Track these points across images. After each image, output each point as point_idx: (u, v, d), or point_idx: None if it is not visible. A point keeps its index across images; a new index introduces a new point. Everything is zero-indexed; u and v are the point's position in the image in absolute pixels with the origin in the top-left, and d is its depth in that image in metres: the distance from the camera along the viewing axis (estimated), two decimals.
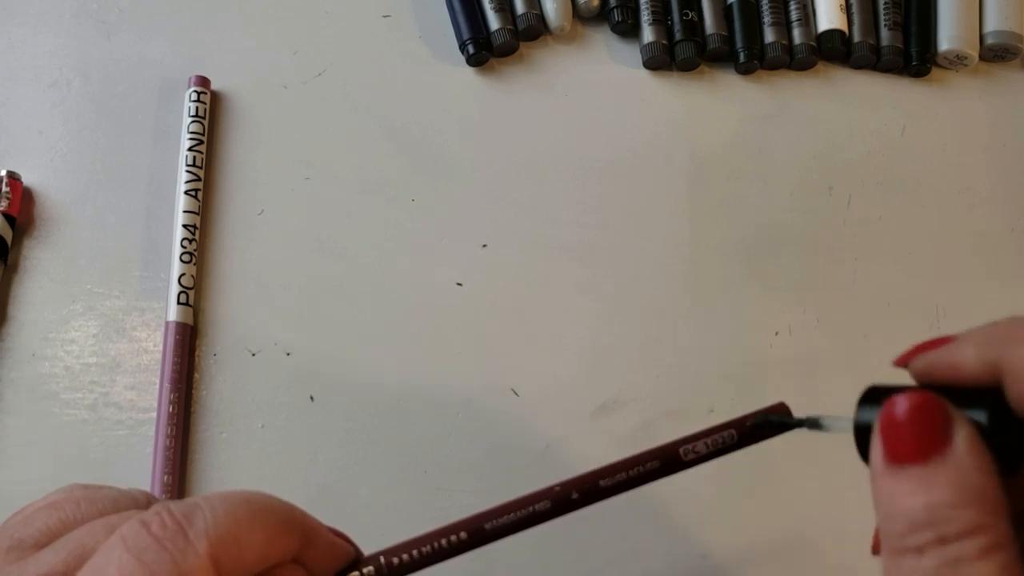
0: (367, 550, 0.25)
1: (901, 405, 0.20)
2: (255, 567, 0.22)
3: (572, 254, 0.44)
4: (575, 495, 0.24)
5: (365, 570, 0.24)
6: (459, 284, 0.43)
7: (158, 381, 0.39)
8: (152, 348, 0.40)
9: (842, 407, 0.23)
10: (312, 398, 0.40)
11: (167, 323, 0.40)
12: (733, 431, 0.24)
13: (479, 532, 0.24)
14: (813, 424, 0.24)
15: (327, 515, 0.24)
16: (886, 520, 0.20)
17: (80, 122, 0.45)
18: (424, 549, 0.24)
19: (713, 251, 0.44)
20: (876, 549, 0.22)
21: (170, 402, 0.38)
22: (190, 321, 0.40)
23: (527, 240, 0.44)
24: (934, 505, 0.19)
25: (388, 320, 0.42)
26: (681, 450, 0.24)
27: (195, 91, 0.45)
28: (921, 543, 0.19)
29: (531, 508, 0.24)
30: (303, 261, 0.43)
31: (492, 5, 0.47)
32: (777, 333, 0.43)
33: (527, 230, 0.44)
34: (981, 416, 0.20)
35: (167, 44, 0.47)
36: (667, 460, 0.24)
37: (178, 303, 0.40)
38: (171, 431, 0.38)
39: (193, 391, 0.40)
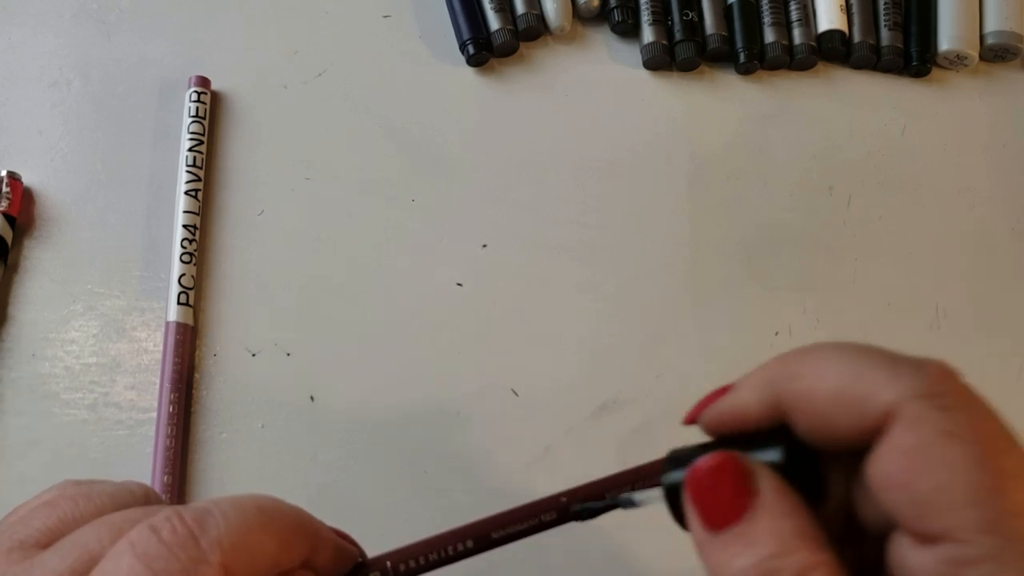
0: (368, 550, 0.25)
1: (701, 471, 0.20)
2: (266, 574, 0.21)
3: (572, 254, 0.44)
4: (578, 508, 0.24)
5: (372, 575, 0.24)
6: (459, 284, 0.43)
7: (158, 381, 0.39)
8: (152, 348, 0.40)
9: None
10: (312, 398, 0.40)
11: (167, 323, 0.40)
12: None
13: (485, 539, 0.24)
14: (627, 503, 0.23)
15: (327, 515, 0.24)
16: None
17: (80, 122, 0.45)
18: (431, 556, 0.24)
19: (713, 251, 0.44)
20: None
21: (170, 402, 0.38)
22: (190, 321, 0.40)
23: (527, 240, 0.44)
24: (762, 560, 0.19)
25: (388, 320, 0.42)
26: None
27: (195, 91, 0.45)
28: None
29: (538, 519, 0.24)
30: (303, 261, 0.43)
31: (492, 5, 0.47)
32: (777, 333, 0.43)
33: (527, 230, 0.44)
34: (776, 455, 0.21)
35: (167, 44, 0.47)
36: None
37: (178, 303, 0.40)
38: (171, 431, 0.38)
39: (193, 391, 0.40)
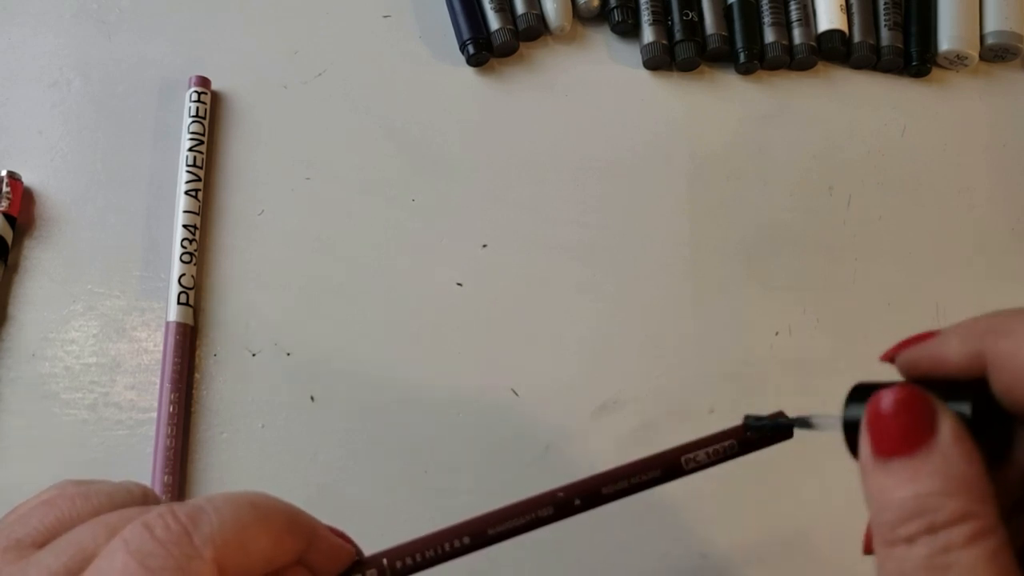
0: (367, 550, 0.25)
1: (886, 400, 0.21)
2: (260, 570, 0.21)
3: (572, 254, 0.44)
4: (577, 501, 0.24)
5: (368, 572, 0.24)
6: (459, 284, 0.43)
7: (158, 381, 0.39)
8: (152, 348, 0.40)
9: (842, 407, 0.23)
10: (312, 398, 0.40)
11: (167, 323, 0.40)
12: (733, 440, 0.24)
13: (482, 536, 0.24)
14: (803, 423, 0.24)
15: (327, 515, 0.24)
16: (877, 512, 0.20)
17: (80, 122, 0.45)
18: (428, 552, 0.24)
19: (713, 251, 0.44)
20: (868, 548, 0.23)
21: (170, 402, 0.38)
22: (190, 321, 0.40)
23: (527, 240, 0.44)
24: (922, 495, 0.19)
25: (388, 320, 0.42)
26: (683, 459, 0.24)
27: (195, 91, 0.45)
28: (911, 532, 0.19)
29: (534, 514, 0.24)
30: (303, 261, 0.43)
31: (492, 5, 0.47)
32: (777, 333, 0.43)
33: (527, 230, 0.44)
34: (966, 408, 0.21)
35: (167, 44, 0.47)
36: (668, 469, 0.24)
37: (178, 303, 0.40)
38: (171, 431, 0.38)
39: (193, 391, 0.40)
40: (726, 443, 0.24)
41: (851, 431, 0.22)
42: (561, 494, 0.24)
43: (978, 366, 0.21)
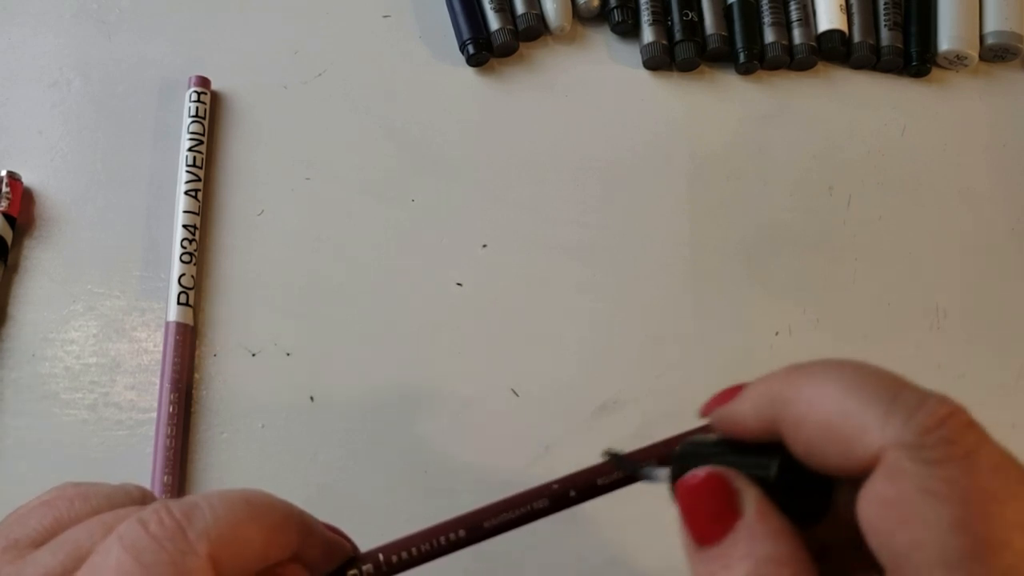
0: (367, 550, 0.25)
1: (688, 489, 0.21)
2: (254, 566, 0.22)
3: (572, 254, 0.44)
4: (573, 492, 0.24)
5: (364, 567, 0.24)
6: (459, 284, 0.43)
7: (158, 381, 0.39)
8: (152, 348, 0.40)
9: None
10: (312, 398, 0.40)
11: (167, 323, 0.40)
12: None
13: (477, 529, 0.24)
14: (648, 476, 0.23)
15: (327, 515, 0.24)
16: None
17: (80, 122, 0.45)
18: (423, 547, 0.24)
19: (713, 251, 0.44)
20: None
21: (170, 402, 0.38)
22: (190, 321, 0.40)
23: (527, 240, 0.44)
24: None
25: (388, 320, 0.42)
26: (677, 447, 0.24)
27: (195, 91, 0.45)
28: None
29: (529, 506, 0.24)
30: (303, 261, 0.43)
31: (492, 5, 0.47)
32: (777, 333, 0.43)
33: (527, 230, 0.44)
34: (770, 471, 0.20)
35: (167, 44, 0.47)
36: (664, 457, 0.24)
37: (178, 303, 0.40)
38: (171, 431, 0.38)
39: (193, 391, 0.40)
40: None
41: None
42: (556, 486, 0.24)
43: (773, 430, 0.20)
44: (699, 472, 0.21)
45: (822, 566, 0.19)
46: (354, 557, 0.24)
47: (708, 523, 0.20)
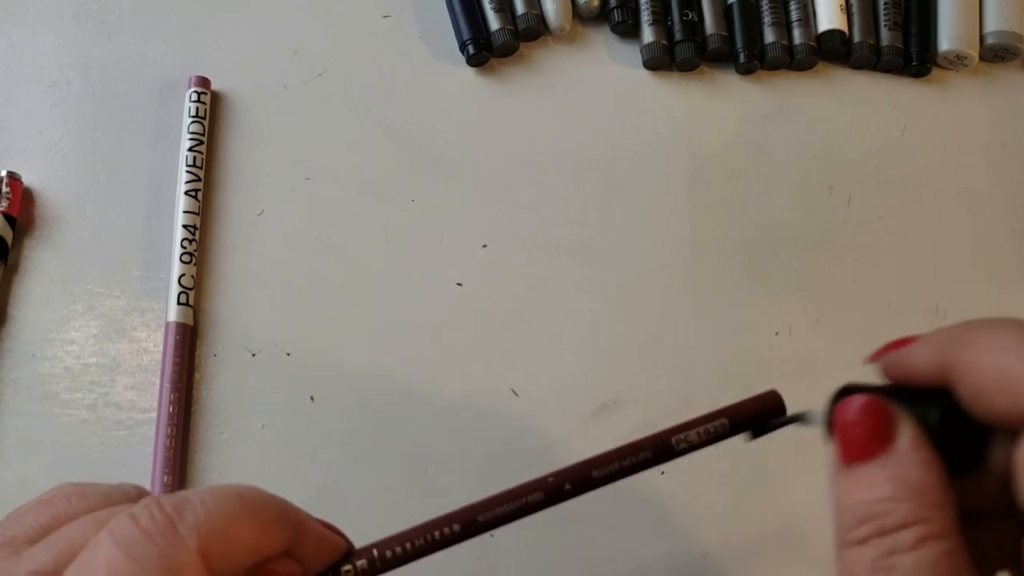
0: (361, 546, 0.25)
1: (848, 408, 0.22)
2: (246, 561, 0.22)
3: (572, 254, 0.44)
4: (568, 485, 0.24)
5: (358, 563, 0.24)
6: (459, 284, 0.43)
7: (158, 381, 0.39)
8: (152, 348, 0.40)
9: None
10: (312, 398, 0.40)
11: (167, 323, 0.40)
12: (725, 420, 0.25)
13: (472, 524, 0.24)
14: (799, 418, 0.24)
15: (327, 515, 0.24)
16: (837, 515, 0.21)
17: (80, 122, 0.45)
18: (417, 542, 0.24)
19: (713, 251, 0.44)
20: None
21: (170, 402, 0.38)
22: (190, 321, 0.40)
23: (527, 240, 0.44)
24: (875, 500, 0.20)
25: (388, 320, 0.42)
26: (673, 439, 0.24)
27: (195, 91, 0.45)
28: (863, 535, 0.20)
29: (524, 499, 0.24)
30: (303, 261, 0.43)
31: (492, 5, 0.47)
32: (777, 333, 0.43)
33: (527, 230, 0.44)
34: (934, 415, 0.21)
35: (167, 44, 0.47)
36: (660, 449, 0.24)
37: (178, 303, 0.40)
38: (171, 431, 0.38)
39: (193, 391, 0.40)
40: (716, 423, 0.24)
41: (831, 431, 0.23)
42: (551, 479, 0.24)
43: (945, 376, 0.21)
44: (859, 397, 0.22)
45: (966, 532, 0.20)
46: (349, 552, 0.24)
47: (861, 442, 0.21)
